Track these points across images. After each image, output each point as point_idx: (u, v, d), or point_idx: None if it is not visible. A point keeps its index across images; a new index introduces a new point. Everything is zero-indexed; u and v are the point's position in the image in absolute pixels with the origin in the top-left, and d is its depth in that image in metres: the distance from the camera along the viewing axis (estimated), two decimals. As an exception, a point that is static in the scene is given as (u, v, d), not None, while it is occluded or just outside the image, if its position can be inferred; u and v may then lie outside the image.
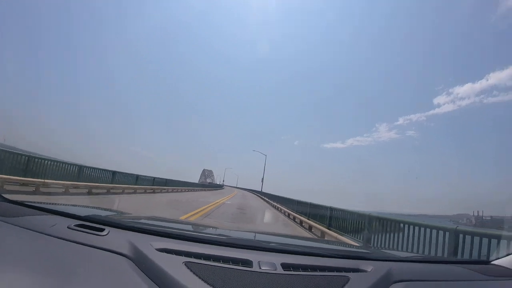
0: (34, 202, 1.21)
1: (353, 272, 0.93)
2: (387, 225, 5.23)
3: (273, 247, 1.08)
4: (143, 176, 15.43)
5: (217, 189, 44.70)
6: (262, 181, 34.05)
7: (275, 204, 18.98)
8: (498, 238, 2.89)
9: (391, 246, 5.14)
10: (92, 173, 10.89)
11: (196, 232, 1.36)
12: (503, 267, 1.17)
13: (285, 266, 0.89)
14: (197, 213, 8.67)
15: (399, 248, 4.86)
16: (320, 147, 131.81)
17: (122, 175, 13.11)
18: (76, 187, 9.33)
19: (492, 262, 1.24)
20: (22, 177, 7.53)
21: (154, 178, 17.01)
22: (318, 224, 8.60)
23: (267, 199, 25.03)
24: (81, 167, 10.04)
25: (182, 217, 7.04)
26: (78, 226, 0.97)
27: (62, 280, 0.67)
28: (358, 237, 6.07)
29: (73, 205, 1.45)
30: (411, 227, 4.54)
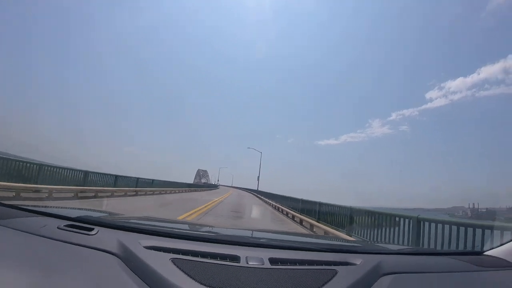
0: (25, 205, 1.26)
1: (341, 265, 0.95)
2: (363, 215, 6.17)
3: (261, 242, 1.13)
4: (123, 176, 13.84)
5: (211, 189, 44.11)
6: (258, 179, 33.58)
7: (270, 202, 19.70)
8: (490, 228, 2.99)
9: (364, 233, 6.01)
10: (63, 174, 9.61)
11: (185, 229, 1.38)
12: (496, 257, 1.17)
13: (272, 261, 0.91)
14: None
15: (371, 232, 5.78)
16: (314, 144, 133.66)
17: (96, 176, 11.47)
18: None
19: (485, 253, 1.25)
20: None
21: (138, 178, 15.30)
22: (308, 218, 9.49)
23: (263, 198, 25.05)
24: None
25: None
26: (68, 226, 1.00)
27: (51, 278, 0.70)
28: (342, 227, 6.95)
29: (63, 208, 1.51)
30: (382, 216, 5.40)
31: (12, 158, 8.18)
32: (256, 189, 34.10)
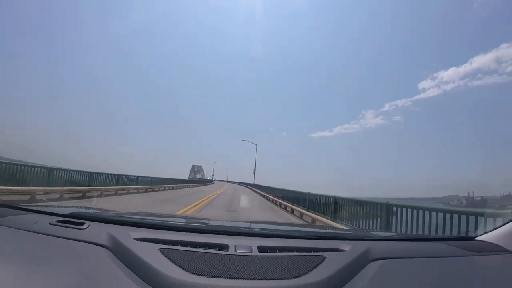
0: (17, 203, 1.30)
1: (330, 251, 0.98)
2: (345, 203, 7.09)
3: (250, 231, 1.17)
4: (100, 173, 12.61)
5: (206, 185, 44.21)
6: (254, 172, 33.26)
7: (265, 194, 20.58)
8: (481, 214, 3.12)
9: (345, 218, 6.88)
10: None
11: (175, 221, 1.43)
12: (488, 242, 1.20)
13: (261, 248, 0.94)
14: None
15: (352, 218, 6.65)
16: (308, 136, 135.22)
17: (61, 172, 10.21)
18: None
19: (477, 238, 1.27)
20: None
21: (119, 175, 14.01)
22: (299, 207, 10.44)
23: (259, 191, 25.39)
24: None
25: None
26: (60, 222, 1.05)
27: (42, 271, 0.75)
28: (327, 214, 7.83)
29: (56, 206, 1.54)
30: (358, 203, 6.30)
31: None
32: (252, 183, 33.83)
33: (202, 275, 0.78)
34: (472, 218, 3.23)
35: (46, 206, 1.54)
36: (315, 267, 0.86)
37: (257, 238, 1.07)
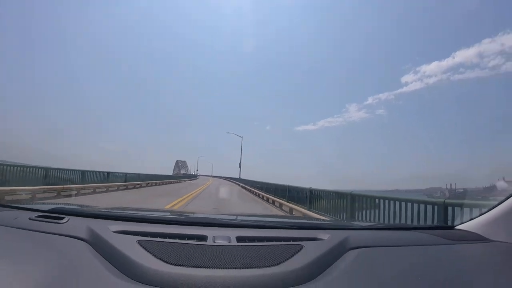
0: None
1: (308, 241, 1.01)
2: (317, 194, 8.07)
3: (230, 222, 1.20)
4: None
5: (191, 180, 43.38)
6: (240, 166, 32.63)
7: (250, 188, 21.41)
8: (460, 205, 3.23)
9: (319, 207, 7.79)
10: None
11: (155, 214, 1.46)
12: (467, 231, 1.23)
13: (240, 239, 0.98)
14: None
15: (324, 207, 7.54)
16: (292, 130, 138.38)
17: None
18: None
19: (456, 227, 1.30)
20: None
21: (84, 171, 12.94)
22: (280, 198, 11.47)
23: (245, 186, 25.18)
24: None
25: None
26: (40, 217, 1.08)
27: (20, 265, 0.77)
28: (304, 204, 8.71)
29: (37, 203, 1.74)
30: (329, 193, 7.28)
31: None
32: (238, 177, 32.98)
33: (179, 265, 0.81)
34: (452, 209, 3.36)
35: (26, 203, 1.59)
36: (292, 256, 0.89)
37: (236, 229, 1.11)
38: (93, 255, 0.86)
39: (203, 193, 15.93)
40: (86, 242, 0.93)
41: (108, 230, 0.99)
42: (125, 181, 16.73)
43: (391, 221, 4.63)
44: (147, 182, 20.86)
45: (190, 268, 0.81)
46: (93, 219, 1.13)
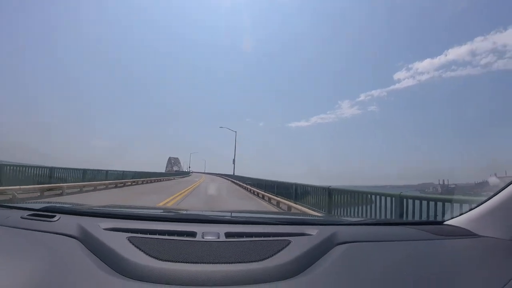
0: None
1: (296, 236, 1.04)
2: (301, 189, 9.18)
3: (219, 219, 1.24)
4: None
5: (183, 177, 43.03)
6: (234, 162, 32.26)
7: (242, 184, 22.31)
8: (450, 201, 3.35)
9: (304, 200, 8.75)
10: None
11: (145, 211, 1.49)
12: (456, 226, 1.26)
13: (228, 234, 1.01)
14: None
15: (308, 200, 8.52)
16: (285, 126, 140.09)
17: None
18: None
19: (446, 223, 1.33)
20: None
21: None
22: (269, 193, 12.58)
23: (238, 182, 25.17)
24: None
25: None
26: (31, 216, 1.11)
27: (12, 262, 0.80)
28: (290, 198, 9.68)
29: (29, 202, 1.59)
30: (309, 188, 8.40)
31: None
32: (231, 173, 32.67)
33: (168, 261, 0.84)
34: (442, 204, 3.44)
35: (18, 202, 1.64)
36: (279, 251, 0.92)
37: (225, 225, 1.14)
38: (83, 252, 0.90)
39: (189, 197, 12.98)
40: (77, 239, 0.96)
41: (98, 227, 1.02)
42: (82, 179, 14.10)
43: (382, 217, 4.98)
44: (133, 180, 19.37)
45: (179, 263, 0.84)
46: (84, 217, 1.16)
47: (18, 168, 9.71)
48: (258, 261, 0.87)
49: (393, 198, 4.49)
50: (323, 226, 1.19)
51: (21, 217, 1.11)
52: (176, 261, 0.85)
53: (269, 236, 1.04)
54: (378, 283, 0.85)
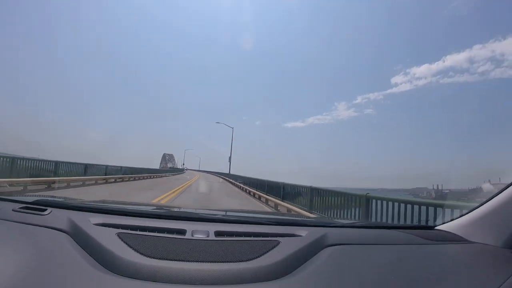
0: None
1: (286, 237, 1.05)
2: (287, 188, 10.03)
3: (209, 217, 1.27)
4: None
5: (176, 174, 42.27)
6: (230, 160, 31.35)
7: (235, 182, 22.85)
8: (441, 206, 3.48)
9: (288, 199, 9.60)
10: None
11: (136, 207, 1.50)
12: (447, 231, 1.28)
13: (218, 233, 1.03)
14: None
15: (290, 198, 9.39)
16: (281, 126, 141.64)
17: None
18: None
19: (436, 228, 1.35)
20: None
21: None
22: (260, 192, 13.51)
23: (232, 180, 24.99)
24: None
25: None
26: (23, 209, 1.14)
27: (2, 255, 0.82)
28: (278, 196, 10.48)
29: (22, 195, 1.66)
30: (293, 187, 9.26)
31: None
32: (226, 171, 31.52)
33: (156, 258, 0.85)
34: (434, 209, 3.60)
35: (11, 194, 1.68)
36: (268, 251, 0.94)
37: (216, 223, 1.15)
38: (73, 246, 0.91)
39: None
40: (67, 233, 0.98)
41: (89, 222, 1.04)
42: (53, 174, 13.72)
43: (348, 213, 5.74)
44: (118, 176, 18.38)
45: (166, 261, 0.85)
46: (75, 211, 1.18)
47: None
48: (246, 261, 0.89)
49: (360, 198, 5.21)
50: (313, 227, 1.21)
51: (12, 210, 1.14)
52: (163, 259, 0.86)
53: (259, 236, 1.06)
54: (366, 287, 0.86)
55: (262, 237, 1.05)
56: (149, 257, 0.86)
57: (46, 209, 1.14)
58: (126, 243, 0.92)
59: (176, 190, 13.57)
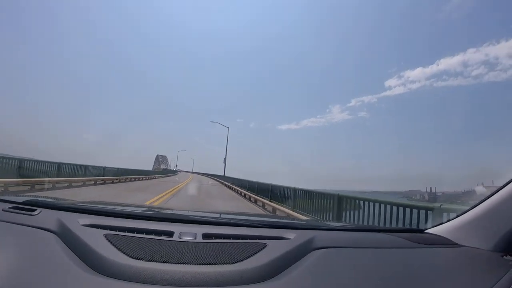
0: None
1: (274, 239, 1.06)
2: (275, 188, 10.92)
3: (197, 219, 1.26)
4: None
5: (168, 176, 40.94)
6: (225, 161, 30.99)
7: (226, 183, 23.78)
8: (432, 209, 3.45)
9: (275, 199, 10.41)
10: None
11: (124, 209, 1.51)
12: (437, 235, 1.29)
13: (206, 235, 1.03)
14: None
15: (276, 198, 10.18)
16: (275, 128, 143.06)
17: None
18: None
19: (426, 231, 1.36)
20: None
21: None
22: (251, 193, 14.48)
23: (225, 182, 25.13)
24: None
25: None
26: (13, 209, 1.16)
27: None
28: (267, 196, 11.39)
29: (13, 195, 1.66)
30: (277, 187, 10.09)
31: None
32: (221, 173, 31.27)
33: (143, 260, 0.87)
34: (425, 212, 3.61)
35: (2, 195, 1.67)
36: (254, 254, 0.95)
37: (204, 226, 1.16)
38: (61, 247, 0.92)
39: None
40: (56, 234, 0.99)
41: (77, 223, 1.06)
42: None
43: (324, 211, 6.20)
44: (100, 178, 16.69)
45: (154, 263, 0.86)
46: (64, 212, 1.19)
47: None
48: (232, 263, 0.90)
49: (333, 198, 6.03)
50: (301, 230, 1.22)
51: (2, 210, 1.16)
52: (150, 260, 0.87)
53: (246, 239, 1.07)
54: None
55: (250, 239, 1.07)
56: (136, 258, 0.88)
57: (36, 210, 1.17)
58: (113, 244, 0.93)
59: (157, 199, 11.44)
